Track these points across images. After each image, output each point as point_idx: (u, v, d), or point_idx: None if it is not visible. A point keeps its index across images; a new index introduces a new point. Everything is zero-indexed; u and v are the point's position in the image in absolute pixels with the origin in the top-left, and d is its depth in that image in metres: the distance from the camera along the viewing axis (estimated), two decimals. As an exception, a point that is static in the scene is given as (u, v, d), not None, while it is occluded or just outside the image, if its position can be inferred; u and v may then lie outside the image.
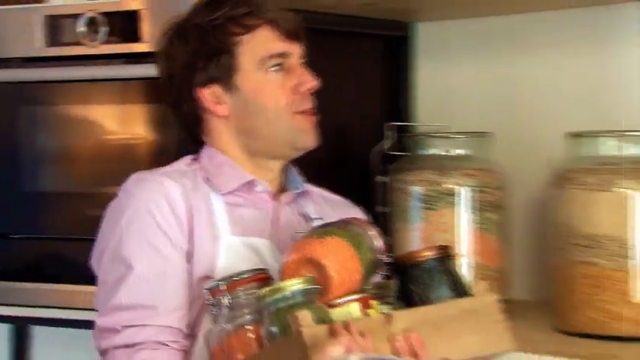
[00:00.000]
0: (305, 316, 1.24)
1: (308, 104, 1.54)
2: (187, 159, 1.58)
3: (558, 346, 1.62)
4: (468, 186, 1.81)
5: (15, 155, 2.04)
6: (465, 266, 1.80)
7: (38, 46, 1.95)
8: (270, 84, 1.51)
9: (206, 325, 1.42)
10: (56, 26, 1.94)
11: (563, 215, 1.70)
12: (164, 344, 1.43)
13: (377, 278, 1.43)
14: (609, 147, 1.71)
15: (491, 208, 1.83)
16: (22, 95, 2.03)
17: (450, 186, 1.81)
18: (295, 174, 1.61)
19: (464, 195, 1.81)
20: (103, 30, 1.86)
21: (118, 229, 1.47)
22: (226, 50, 1.50)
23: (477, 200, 1.81)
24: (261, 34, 1.52)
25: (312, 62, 1.98)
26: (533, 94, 2.04)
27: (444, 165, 1.84)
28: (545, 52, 2.02)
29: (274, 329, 1.28)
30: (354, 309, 1.33)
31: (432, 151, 1.89)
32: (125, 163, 1.95)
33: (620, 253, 1.64)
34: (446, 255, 1.44)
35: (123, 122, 1.97)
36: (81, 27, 1.88)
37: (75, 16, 1.90)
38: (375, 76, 2.20)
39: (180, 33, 1.54)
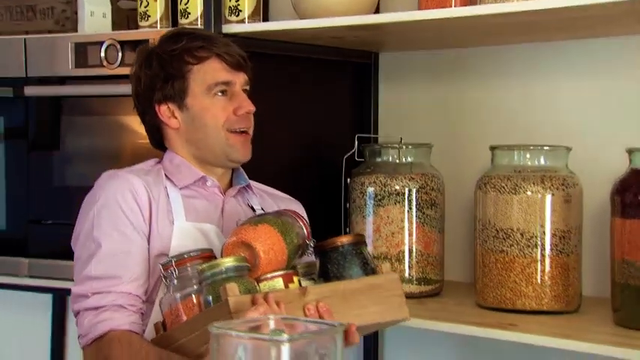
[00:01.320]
0: (232, 288, 1.42)
1: (243, 125, 1.74)
2: (152, 161, 1.80)
3: (475, 318, 1.92)
4: (412, 187, 2.09)
5: (49, 156, 2.33)
6: (407, 254, 2.09)
7: (69, 67, 2.24)
8: (213, 106, 1.72)
9: (161, 293, 1.62)
10: (83, 51, 2.23)
11: (484, 212, 1.99)
12: (123, 307, 1.62)
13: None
14: (521, 158, 2.00)
15: (429, 206, 2.10)
16: (57, 107, 2.31)
17: (397, 187, 2.09)
18: (242, 173, 1.83)
19: (407, 195, 2.09)
20: (119, 55, 2.17)
21: (90, 215, 1.67)
22: (180, 76, 1.71)
23: (418, 199, 2.09)
24: (210, 65, 1.72)
25: (292, 85, 2.28)
26: (469, 114, 2.30)
27: (393, 170, 2.12)
28: (481, 79, 2.29)
29: (209, 298, 1.48)
30: (279, 283, 1.53)
31: (385, 158, 2.17)
32: (136, 161, 2.14)
33: (527, 243, 1.93)
34: (358, 242, 1.65)
35: (134, 129, 2.19)
36: (102, 52, 2.20)
37: (98, 44, 2.20)
38: (345, 95, 2.44)
39: (146, 59, 1.75)
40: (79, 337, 1.67)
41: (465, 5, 1.93)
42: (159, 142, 1.82)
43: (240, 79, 1.76)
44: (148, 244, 1.68)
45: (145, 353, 1.56)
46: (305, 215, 1.76)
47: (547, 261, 1.94)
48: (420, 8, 1.96)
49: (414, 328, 1.99)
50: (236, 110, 1.74)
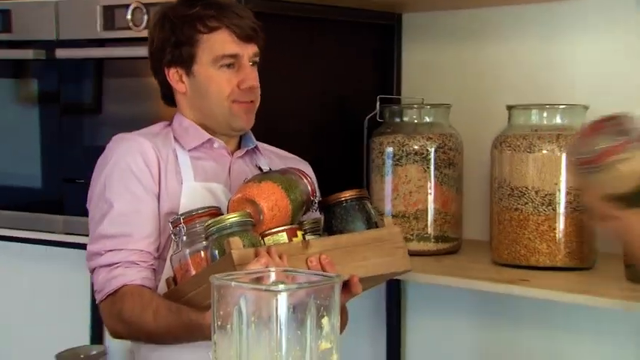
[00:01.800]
0: (236, 241, 1.47)
1: (247, 98, 1.76)
2: (162, 123, 1.84)
3: (489, 274, 1.96)
4: (430, 147, 2.12)
5: (81, 116, 2.40)
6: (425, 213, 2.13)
7: (98, 30, 2.29)
8: (218, 77, 1.74)
9: (171, 250, 1.68)
10: (110, 14, 2.28)
11: (499, 171, 2.01)
12: (135, 263, 1.68)
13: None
14: (538, 117, 2.01)
15: (447, 165, 2.13)
16: (87, 69, 2.36)
17: (415, 147, 2.12)
18: (250, 135, 1.85)
19: (425, 154, 2.12)
20: (145, 17, 2.20)
21: (102, 177, 1.74)
22: (189, 43, 1.73)
23: (436, 158, 2.12)
24: (219, 36, 1.73)
25: (315, 48, 2.30)
26: (490, 74, 2.31)
27: (413, 130, 2.16)
28: (504, 40, 2.30)
29: (216, 252, 1.53)
30: (282, 237, 1.58)
31: (405, 119, 2.20)
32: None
33: (542, 201, 1.95)
34: (362, 197, 1.69)
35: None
36: (128, 15, 2.24)
37: (125, 6, 2.24)
38: (369, 57, 2.45)
39: (160, 21, 1.78)
40: (94, 292, 1.74)
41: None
42: (171, 101, 1.86)
43: (249, 52, 1.77)
44: (158, 203, 1.73)
45: (155, 305, 1.63)
46: (312, 174, 1.80)
47: (561, 218, 1.96)
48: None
49: (431, 284, 2.05)
50: (240, 83, 1.76)
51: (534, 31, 2.26)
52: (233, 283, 1.20)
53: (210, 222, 1.56)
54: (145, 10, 2.24)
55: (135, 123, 2.15)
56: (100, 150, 2.24)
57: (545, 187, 1.97)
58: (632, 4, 2.10)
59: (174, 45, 1.76)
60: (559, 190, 1.96)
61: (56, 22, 2.39)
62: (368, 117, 2.29)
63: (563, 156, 1.95)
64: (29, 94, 2.52)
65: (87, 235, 2.27)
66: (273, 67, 1.96)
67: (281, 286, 1.18)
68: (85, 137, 2.42)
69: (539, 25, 2.25)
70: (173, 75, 1.79)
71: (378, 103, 2.27)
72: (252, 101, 1.79)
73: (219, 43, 1.75)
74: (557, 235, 1.97)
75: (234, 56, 1.76)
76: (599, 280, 1.91)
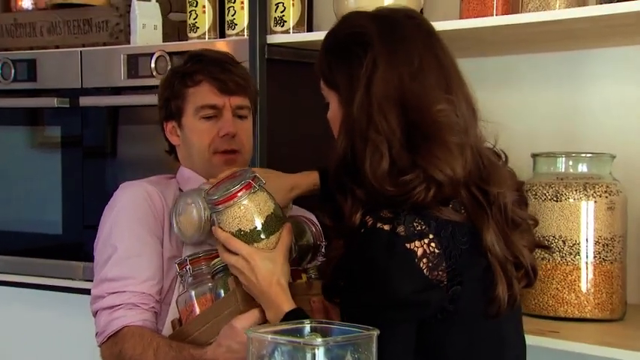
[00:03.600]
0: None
1: (226, 146, 1.80)
2: (167, 175, 1.89)
3: None
4: None
5: (103, 163, 2.42)
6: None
7: (122, 78, 2.34)
8: (198, 128, 1.80)
9: (177, 292, 1.70)
10: (134, 62, 2.33)
11: None
12: (137, 305, 1.70)
13: None
14: (563, 165, 2.00)
15: None
16: (110, 116, 2.40)
17: None
18: None
19: None
20: (169, 66, 2.25)
21: (108, 223, 1.77)
22: (178, 97, 1.82)
23: None
24: (202, 88, 1.80)
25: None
26: (512, 121, 2.14)
27: None
28: (527, 87, 2.29)
29: (221, 291, 1.56)
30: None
31: None
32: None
33: (569, 251, 1.93)
34: None
35: None
36: (152, 63, 2.28)
37: (149, 55, 2.29)
38: None
39: (163, 78, 1.89)
40: (96, 335, 1.75)
41: (506, 14, 1.95)
42: (174, 154, 1.91)
43: (231, 103, 1.82)
44: (162, 247, 1.76)
45: (155, 344, 1.64)
46: (316, 221, 1.79)
47: (590, 268, 1.94)
48: (461, 17, 1.99)
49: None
50: (219, 131, 1.81)
51: (557, 78, 2.25)
52: (269, 337, 1.18)
53: (215, 260, 1.59)
54: (168, 58, 2.28)
55: (157, 168, 2.15)
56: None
57: (573, 237, 1.95)
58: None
59: (167, 100, 1.84)
60: (587, 240, 1.94)
61: (81, 70, 2.42)
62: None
63: (591, 204, 1.94)
64: (51, 141, 2.54)
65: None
66: (284, 111, 2.02)
67: (319, 340, 1.15)
68: (108, 183, 2.43)
69: (560, 72, 2.25)
70: (170, 129, 1.87)
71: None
72: (233, 150, 1.82)
73: (200, 95, 1.81)
74: (586, 286, 1.94)
75: (214, 107, 1.81)
76: (631, 332, 1.88)
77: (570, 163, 2.01)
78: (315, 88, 2.19)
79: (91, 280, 2.28)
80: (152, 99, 2.20)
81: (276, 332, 1.24)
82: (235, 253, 1.49)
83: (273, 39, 2.19)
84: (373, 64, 1.39)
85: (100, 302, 1.74)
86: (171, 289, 1.75)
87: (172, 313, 1.72)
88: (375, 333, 1.22)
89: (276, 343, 1.20)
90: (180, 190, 1.84)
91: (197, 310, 1.62)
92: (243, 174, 1.51)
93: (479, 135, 1.46)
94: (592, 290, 1.95)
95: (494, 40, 2.13)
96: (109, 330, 1.71)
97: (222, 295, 1.57)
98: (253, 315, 1.51)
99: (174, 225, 1.69)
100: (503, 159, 1.54)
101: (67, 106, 2.43)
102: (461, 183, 1.39)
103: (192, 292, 1.64)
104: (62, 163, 2.49)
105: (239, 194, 1.47)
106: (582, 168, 2.01)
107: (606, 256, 1.95)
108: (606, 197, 1.95)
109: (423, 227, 1.35)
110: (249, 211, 1.48)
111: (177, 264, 1.68)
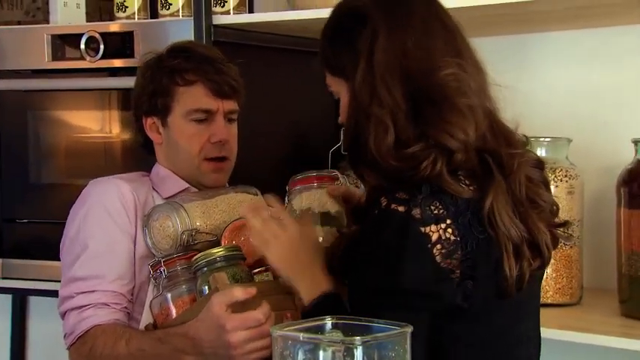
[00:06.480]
0: (222, 277, 1.48)
1: (217, 153, 1.74)
2: (140, 173, 1.81)
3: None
4: None
5: (23, 152, 2.25)
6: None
7: (45, 60, 2.16)
8: (188, 131, 1.72)
9: (150, 295, 1.64)
10: (60, 43, 2.16)
11: None
12: (107, 305, 1.64)
13: None
14: None
15: None
16: (30, 101, 2.24)
17: None
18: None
19: None
20: (101, 47, 2.11)
21: (77, 220, 1.69)
22: (166, 94, 1.72)
23: None
24: (195, 90, 1.72)
25: (279, 78, 2.23)
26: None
27: None
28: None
29: (205, 287, 1.51)
30: (268, 276, 1.57)
31: None
32: (114, 156, 2.20)
33: None
34: None
35: (115, 124, 2.20)
36: (82, 45, 2.12)
37: (77, 35, 2.13)
38: None
39: (144, 68, 1.77)
40: (64, 337, 1.67)
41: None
42: (149, 150, 1.82)
43: (224, 107, 1.75)
44: (134, 245, 1.68)
45: (128, 335, 1.58)
46: None
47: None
48: None
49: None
50: (210, 137, 1.74)
51: (510, 62, 2.19)
52: (302, 336, 1.09)
53: (198, 256, 1.53)
54: (100, 39, 2.12)
55: (84, 158, 2.18)
56: (43, 188, 2.25)
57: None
58: (614, 37, 2.09)
59: (151, 95, 1.74)
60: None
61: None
62: (332, 150, 2.17)
63: (552, 189, 1.88)
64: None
65: (24, 279, 2.24)
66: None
67: (357, 339, 1.07)
68: (29, 174, 2.27)
69: (514, 56, 2.22)
70: (150, 125, 1.77)
71: (342, 136, 2.21)
72: (224, 157, 1.76)
73: (193, 96, 1.73)
74: (547, 271, 1.88)
75: (207, 111, 1.74)
76: (593, 317, 1.88)
77: (528, 147, 1.99)
78: (260, 71, 2.14)
79: (10, 278, 2.25)
80: (84, 83, 2.15)
81: (298, 329, 1.15)
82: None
83: (218, 20, 2.07)
84: (373, 33, 1.32)
85: (69, 302, 1.66)
86: (142, 289, 1.67)
87: (146, 317, 1.63)
88: (409, 330, 1.14)
89: (301, 342, 1.11)
90: (154, 189, 1.75)
91: (174, 313, 1.56)
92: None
93: (492, 98, 1.39)
94: (553, 275, 1.94)
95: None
96: (78, 330, 1.63)
97: (206, 291, 1.50)
98: (232, 291, 1.45)
99: (147, 238, 1.63)
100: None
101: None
102: (472, 148, 1.31)
103: (168, 295, 1.57)
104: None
105: None
106: (541, 152, 1.99)
107: (566, 241, 1.94)
108: (566, 181, 1.95)
109: (441, 211, 1.27)
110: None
111: (151, 266, 1.60)
